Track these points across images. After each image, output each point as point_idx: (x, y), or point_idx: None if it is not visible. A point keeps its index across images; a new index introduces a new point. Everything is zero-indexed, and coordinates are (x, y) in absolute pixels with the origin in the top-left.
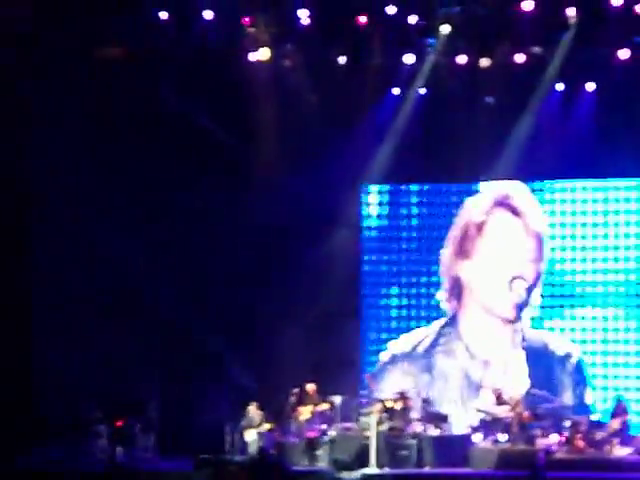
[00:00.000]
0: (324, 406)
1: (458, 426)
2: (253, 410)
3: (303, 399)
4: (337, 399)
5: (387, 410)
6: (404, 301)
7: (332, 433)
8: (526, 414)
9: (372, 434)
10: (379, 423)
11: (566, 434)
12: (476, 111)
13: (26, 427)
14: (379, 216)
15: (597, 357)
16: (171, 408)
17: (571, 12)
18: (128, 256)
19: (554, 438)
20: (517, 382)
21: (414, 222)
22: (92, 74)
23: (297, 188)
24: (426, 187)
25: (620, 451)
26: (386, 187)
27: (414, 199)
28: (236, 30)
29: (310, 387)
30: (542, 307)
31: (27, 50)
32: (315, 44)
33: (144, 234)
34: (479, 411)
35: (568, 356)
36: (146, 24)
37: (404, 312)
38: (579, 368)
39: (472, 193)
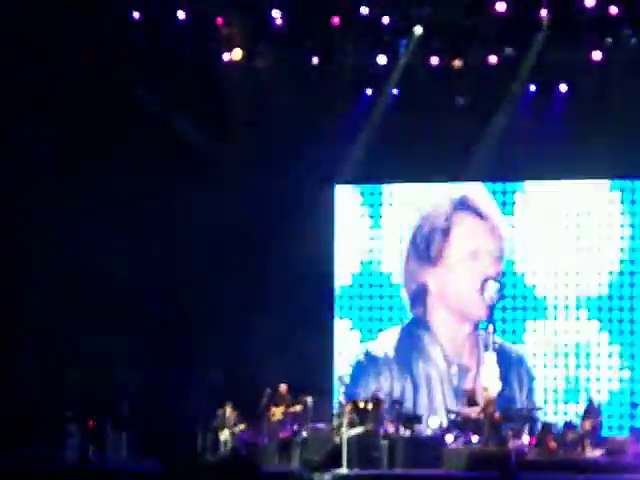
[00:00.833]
0: (297, 407)
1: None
2: (229, 410)
3: (276, 399)
4: (309, 399)
5: (359, 411)
6: (376, 302)
7: (304, 434)
8: (497, 415)
9: (344, 435)
10: (350, 424)
11: (537, 435)
12: (448, 112)
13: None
14: (352, 215)
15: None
16: (143, 407)
17: (544, 13)
18: (106, 255)
19: (526, 439)
20: (489, 384)
21: (386, 221)
22: (65, 74)
23: (270, 187)
24: (398, 186)
25: (592, 452)
26: (358, 186)
27: (386, 198)
28: (209, 30)
29: (283, 387)
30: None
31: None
32: (288, 44)
33: (121, 234)
34: (449, 412)
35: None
36: (119, 24)
37: (377, 313)
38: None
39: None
